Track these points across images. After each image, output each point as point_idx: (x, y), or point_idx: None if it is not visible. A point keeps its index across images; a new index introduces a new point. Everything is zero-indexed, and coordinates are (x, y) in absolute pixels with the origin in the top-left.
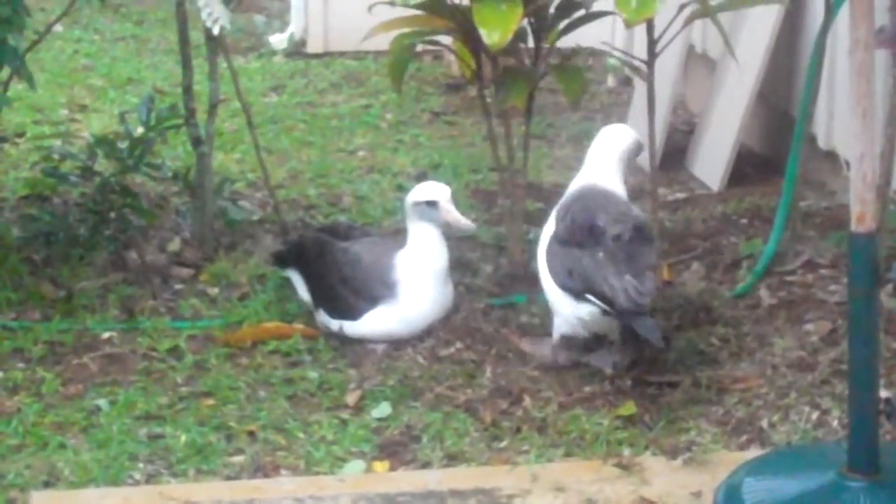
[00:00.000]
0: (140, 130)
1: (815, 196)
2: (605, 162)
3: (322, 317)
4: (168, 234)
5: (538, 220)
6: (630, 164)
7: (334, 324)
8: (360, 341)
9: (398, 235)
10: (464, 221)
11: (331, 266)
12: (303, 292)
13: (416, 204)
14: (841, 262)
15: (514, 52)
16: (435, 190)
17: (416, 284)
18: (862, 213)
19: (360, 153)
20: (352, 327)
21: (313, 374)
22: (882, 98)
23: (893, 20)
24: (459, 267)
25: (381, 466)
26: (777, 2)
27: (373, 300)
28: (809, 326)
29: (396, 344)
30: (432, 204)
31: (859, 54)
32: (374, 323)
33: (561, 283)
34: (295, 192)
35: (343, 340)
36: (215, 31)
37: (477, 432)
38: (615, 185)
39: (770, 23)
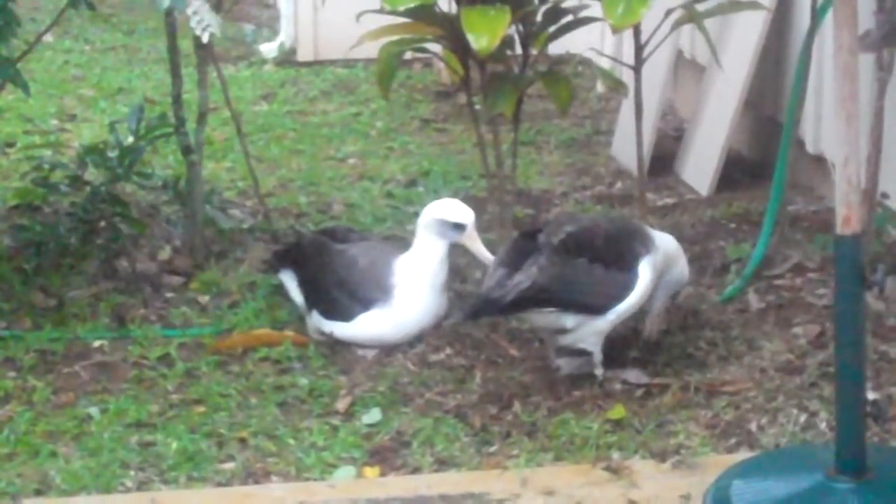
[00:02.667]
0: (130, 140)
1: (804, 200)
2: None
3: (315, 319)
4: (158, 242)
5: (527, 226)
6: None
7: (327, 325)
8: (350, 348)
9: (396, 240)
10: (484, 253)
11: (327, 267)
12: (296, 294)
13: (443, 222)
14: (829, 266)
15: (502, 58)
16: (463, 212)
17: (413, 291)
18: (847, 216)
19: (351, 161)
20: (343, 329)
21: (303, 381)
22: (868, 102)
23: (878, 24)
24: (449, 273)
25: (371, 472)
26: (761, 8)
27: (367, 303)
28: (797, 330)
29: (387, 350)
30: (460, 227)
31: (842, 58)
32: (367, 326)
33: None
34: (285, 200)
35: (333, 347)
36: (205, 38)
37: (467, 437)
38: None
39: (757, 28)
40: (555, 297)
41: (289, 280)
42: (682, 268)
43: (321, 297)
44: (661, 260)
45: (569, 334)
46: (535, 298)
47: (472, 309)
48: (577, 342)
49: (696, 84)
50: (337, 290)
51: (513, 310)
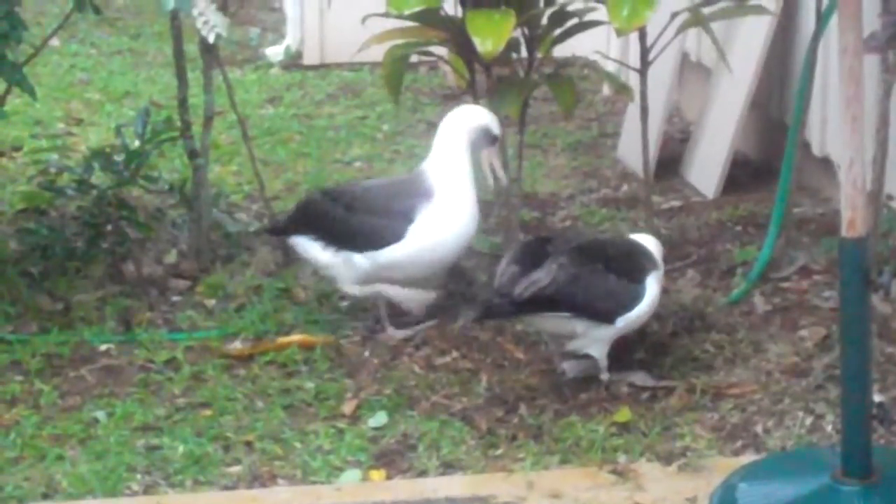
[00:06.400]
0: (136, 143)
1: (810, 202)
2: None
3: (356, 262)
4: (165, 246)
5: (533, 229)
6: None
7: (365, 261)
8: (358, 354)
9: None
10: (500, 170)
11: (352, 204)
12: (317, 253)
13: (485, 131)
14: (835, 268)
15: (508, 61)
16: (497, 122)
17: (456, 187)
18: (853, 219)
19: (357, 164)
20: (394, 254)
21: (310, 384)
22: (873, 104)
23: (883, 26)
24: (455, 276)
25: (377, 475)
26: (767, 12)
27: (410, 212)
28: (804, 332)
29: (392, 353)
30: (493, 139)
31: (847, 60)
32: (420, 237)
33: None
34: (291, 204)
35: (339, 350)
36: (211, 39)
37: (473, 440)
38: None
39: (763, 31)
40: (570, 300)
41: (304, 243)
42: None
43: (359, 233)
44: (662, 275)
45: (576, 340)
46: (550, 299)
47: (487, 306)
48: (583, 348)
49: (701, 87)
50: (373, 216)
51: (527, 308)
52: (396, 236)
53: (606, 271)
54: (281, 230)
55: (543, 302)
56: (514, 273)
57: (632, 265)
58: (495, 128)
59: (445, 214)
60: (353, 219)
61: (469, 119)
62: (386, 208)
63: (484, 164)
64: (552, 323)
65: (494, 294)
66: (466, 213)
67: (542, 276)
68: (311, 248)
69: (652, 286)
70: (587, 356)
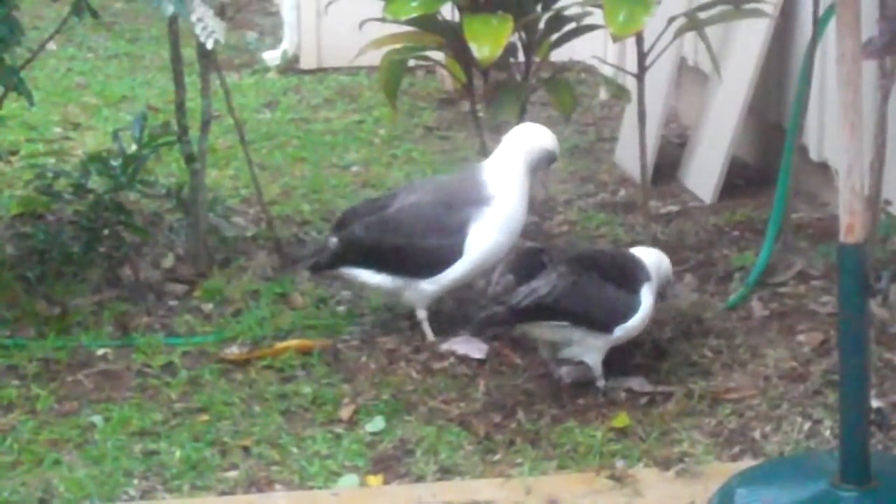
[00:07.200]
0: (133, 148)
1: (808, 207)
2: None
3: (415, 291)
4: (162, 250)
5: (531, 234)
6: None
7: (431, 286)
8: (355, 359)
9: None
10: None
11: (402, 230)
12: (369, 278)
13: (544, 150)
14: (833, 273)
15: (505, 66)
16: (557, 145)
17: (511, 190)
18: (851, 224)
19: (354, 168)
20: (453, 272)
21: (307, 389)
22: (871, 109)
23: (881, 31)
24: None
25: (375, 480)
26: (762, 16)
27: (462, 227)
28: (801, 337)
29: (390, 358)
30: (552, 160)
31: (846, 65)
32: (476, 244)
33: None
34: (289, 208)
35: (337, 355)
36: (209, 44)
37: (471, 445)
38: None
39: (760, 35)
40: (568, 309)
41: (355, 273)
42: (665, 268)
43: (416, 259)
44: (656, 286)
45: (571, 347)
46: (549, 307)
47: (485, 317)
48: (578, 356)
49: (699, 91)
50: (426, 238)
51: (526, 317)
52: (455, 255)
53: (604, 281)
54: (326, 266)
55: (543, 310)
56: (508, 282)
57: (627, 276)
58: (556, 151)
59: (497, 220)
60: (406, 246)
61: (535, 139)
62: (438, 227)
63: (545, 178)
64: (549, 331)
65: (490, 303)
66: (516, 213)
67: (542, 285)
68: (362, 275)
69: (647, 297)
70: (581, 363)
